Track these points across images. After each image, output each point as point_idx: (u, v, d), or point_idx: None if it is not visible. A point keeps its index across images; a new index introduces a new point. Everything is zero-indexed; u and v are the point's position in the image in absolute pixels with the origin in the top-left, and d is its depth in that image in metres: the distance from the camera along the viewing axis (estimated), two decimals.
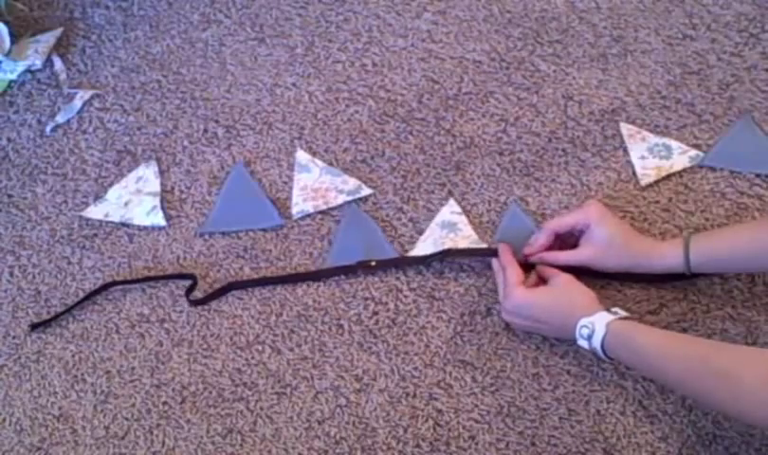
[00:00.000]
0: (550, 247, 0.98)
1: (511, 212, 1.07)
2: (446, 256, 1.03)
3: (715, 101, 1.11)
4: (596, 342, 0.87)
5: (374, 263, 1.05)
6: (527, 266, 0.99)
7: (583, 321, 0.88)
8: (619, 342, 0.86)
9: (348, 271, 1.05)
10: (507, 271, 0.96)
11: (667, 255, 0.91)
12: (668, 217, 1.03)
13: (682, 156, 1.06)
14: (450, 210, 1.08)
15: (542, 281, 0.97)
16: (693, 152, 1.06)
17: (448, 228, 1.07)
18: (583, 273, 0.95)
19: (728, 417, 0.89)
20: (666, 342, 0.83)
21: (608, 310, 0.89)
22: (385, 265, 1.05)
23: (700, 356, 0.79)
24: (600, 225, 0.93)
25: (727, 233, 0.93)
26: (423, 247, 1.06)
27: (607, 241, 0.93)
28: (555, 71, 1.18)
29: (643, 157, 1.07)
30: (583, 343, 0.89)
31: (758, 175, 1.04)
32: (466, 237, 1.06)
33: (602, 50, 1.18)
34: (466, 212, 1.08)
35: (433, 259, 1.03)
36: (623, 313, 0.89)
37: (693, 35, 1.17)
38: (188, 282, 1.08)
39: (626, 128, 1.10)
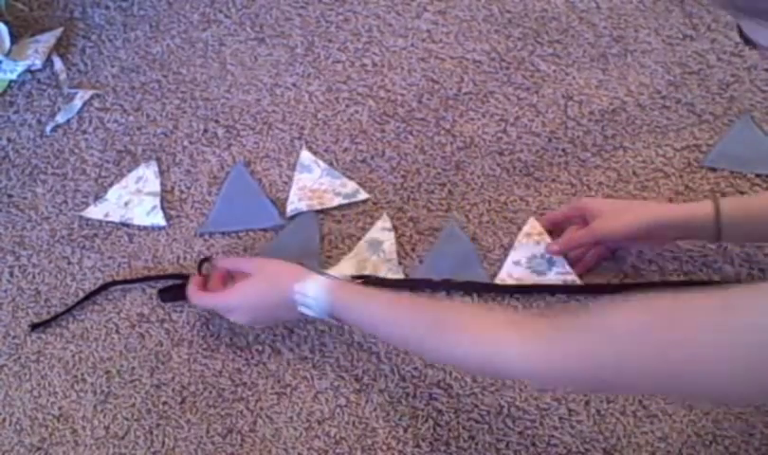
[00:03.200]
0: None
1: (449, 230, 1.06)
2: (372, 283, 1.02)
3: (715, 101, 1.11)
4: (323, 303, 0.85)
5: None
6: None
7: (297, 287, 0.86)
8: (343, 301, 0.84)
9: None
10: (189, 295, 0.98)
11: (695, 209, 0.90)
12: None
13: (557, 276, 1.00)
14: (382, 226, 1.08)
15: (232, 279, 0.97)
16: None
17: (374, 249, 1.06)
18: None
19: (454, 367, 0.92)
20: (391, 303, 0.83)
21: (320, 273, 0.88)
22: None
23: (414, 311, 0.81)
24: (599, 203, 0.96)
25: (759, 196, 0.93)
26: (346, 267, 1.04)
27: (612, 209, 0.94)
28: (555, 71, 1.18)
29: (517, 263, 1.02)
30: (308, 312, 0.87)
31: (758, 175, 1.04)
32: (387, 260, 1.04)
33: (602, 50, 1.18)
34: (466, 212, 1.08)
35: (355, 283, 1.02)
36: (337, 273, 0.87)
37: (693, 35, 1.17)
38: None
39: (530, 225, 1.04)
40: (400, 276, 1.04)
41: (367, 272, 1.04)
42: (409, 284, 1.03)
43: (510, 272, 1.01)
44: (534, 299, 1.00)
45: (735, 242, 0.97)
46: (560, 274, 1.00)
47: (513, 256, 1.02)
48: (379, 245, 1.06)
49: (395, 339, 0.86)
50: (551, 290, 0.99)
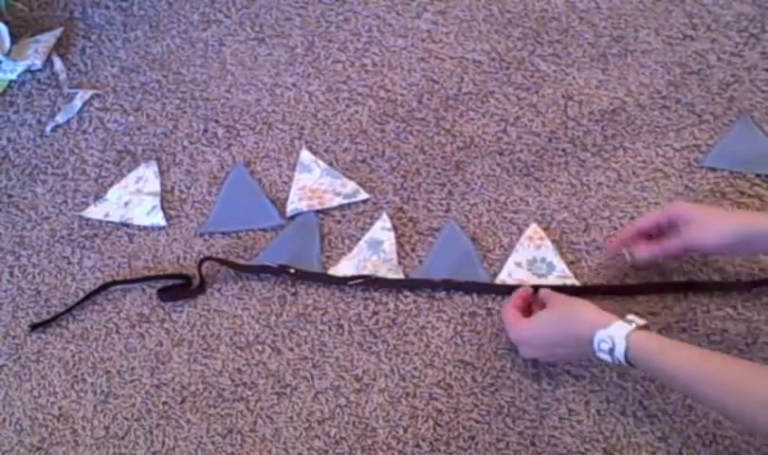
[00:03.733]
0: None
1: (449, 229, 1.07)
2: (371, 284, 1.03)
3: (715, 101, 1.11)
4: (620, 355, 0.81)
5: (293, 271, 1.05)
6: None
7: (600, 335, 0.83)
8: (644, 357, 0.81)
9: (273, 271, 1.06)
10: (503, 312, 0.95)
11: None
12: None
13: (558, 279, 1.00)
14: (381, 226, 1.08)
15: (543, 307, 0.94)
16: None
17: (374, 249, 1.06)
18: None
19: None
20: (698, 363, 0.79)
21: (622, 319, 0.83)
22: (304, 277, 1.05)
23: (738, 382, 0.75)
24: (689, 210, 0.90)
25: None
26: (346, 267, 1.05)
27: (703, 216, 0.89)
28: (555, 71, 1.18)
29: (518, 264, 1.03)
30: (605, 357, 0.83)
31: (758, 175, 1.04)
32: (387, 260, 1.05)
33: (602, 50, 1.18)
34: (466, 213, 1.08)
35: (354, 282, 1.03)
36: (639, 320, 0.83)
37: (693, 35, 1.17)
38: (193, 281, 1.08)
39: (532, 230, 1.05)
40: (400, 276, 1.04)
41: (367, 272, 1.04)
42: (409, 284, 1.03)
43: (510, 273, 1.01)
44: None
45: None
46: (561, 277, 1.00)
47: (514, 257, 1.03)
48: (379, 245, 1.06)
49: (713, 403, 0.80)
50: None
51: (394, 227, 1.08)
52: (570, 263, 1.02)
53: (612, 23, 1.20)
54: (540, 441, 0.92)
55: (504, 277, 1.01)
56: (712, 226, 0.88)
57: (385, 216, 1.09)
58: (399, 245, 1.07)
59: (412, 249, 1.07)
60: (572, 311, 0.88)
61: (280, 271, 1.05)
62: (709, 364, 0.79)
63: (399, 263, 1.05)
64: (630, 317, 0.84)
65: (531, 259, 1.02)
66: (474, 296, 1.01)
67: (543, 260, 1.02)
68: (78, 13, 1.39)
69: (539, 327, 0.90)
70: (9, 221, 1.19)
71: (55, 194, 1.20)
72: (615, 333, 0.82)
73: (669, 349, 0.81)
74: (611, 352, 0.82)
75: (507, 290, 1.00)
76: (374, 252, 1.06)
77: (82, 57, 1.34)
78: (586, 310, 0.87)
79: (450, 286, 1.02)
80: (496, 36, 1.22)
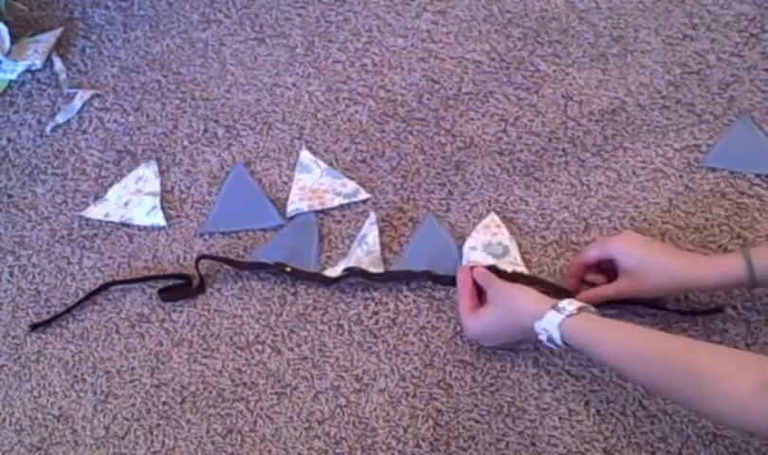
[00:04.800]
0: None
1: (428, 223, 1.07)
2: (354, 275, 1.03)
3: (715, 101, 1.11)
4: (558, 341, 0.84)
5: (289, 270, 1.05)
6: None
7: (537, 327, 0.86)
8: (578, 342, 0.83)
9: (267, 268, 1.06)
10: (460, 300, 0.96)
11: (726, 267, 0.86)
12: (669, 217, 1.03)
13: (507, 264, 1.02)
14: (369, 222, 1.08)
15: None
16: None
17: (359, 243, 1.06)
18: (636, 303, 0.95)
19: (695, 414, 0.89)
20: (625, 339, 0.81)
21: (554, 307, 0.85)
22: (300, 276, 1.05)
23: (664, 355, 0.77)
24: (627, 254, 0.91)
25: None
26: (342, 267, 1.05)
27: (640, 266, 0.90)
28: (555, 71, 1.18)
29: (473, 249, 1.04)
30: (549, 345, 0.86)
31: (758, 175, 1.04)
32: (370, 252, 1.05)
33: (602, 50, 1.18)
34: (466, 213, 1.08)
35: (338, 275, 1.03)
36: (571, 307, 0.84)
37: (693, 35, 1.17)
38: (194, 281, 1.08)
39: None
40: (380, 269, 1.04)
41: (351, 264, 1.03)
42: (390, 277, 1.03)
43: (467, 258, 1.03)
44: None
45: None
46: (511, 264, 1.02)
47: (469, 243, 1.04)
48: (363, 238, 1.07)
49: (638, 377, 0.83)
50: (502, 276, 0.99)
51: (394, 227, 1.08)
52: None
53: (612, 23, 1.20)
54: (540, 441, 0.92)
55: (464, 263, 1.03)
56: (647, 279, 0.90)
57: (372, 214, 1.09)
58: (399, 244, 1.07)
59: (407, 246, 1.07)
60: (510, 303, 0.90)
61: (276, 269, 1.05)
62: (635, 339, 0.81)
63: (383, 256, 1.05)
64: (562, 304, 0.85)
65: (486, 243, 1.04)
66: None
67: (499, 243, 1.03)
68: (78, 13, 1.39)
69: (488, 324, 0.93)
70: (9, 221, 1.19)
71: (55, 194, 1.20)
72: (548, 324, 0.85)
73: (598, 330, 0.83)
74: (550, 340, 0.85)
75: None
76: (358, 245, 1.06)
77: (82, 57, 1.34)
78: (524, 299, 0.90)
79: (430, 278, 1.02)
80: (496, 36, 1.22)
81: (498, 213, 1.07)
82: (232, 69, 1.27)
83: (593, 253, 0.95)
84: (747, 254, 0.85)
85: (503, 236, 1.05)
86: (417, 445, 0.94)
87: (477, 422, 0.95)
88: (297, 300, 1.05)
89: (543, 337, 0.86)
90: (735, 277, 0.86)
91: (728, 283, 0.88)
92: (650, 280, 0.89)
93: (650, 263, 0.89)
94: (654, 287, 0.90)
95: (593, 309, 0.85)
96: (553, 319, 0.84)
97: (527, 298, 0.90)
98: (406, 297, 1.03)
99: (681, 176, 1.06)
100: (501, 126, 1.14)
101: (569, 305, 0.84)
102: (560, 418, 0.93)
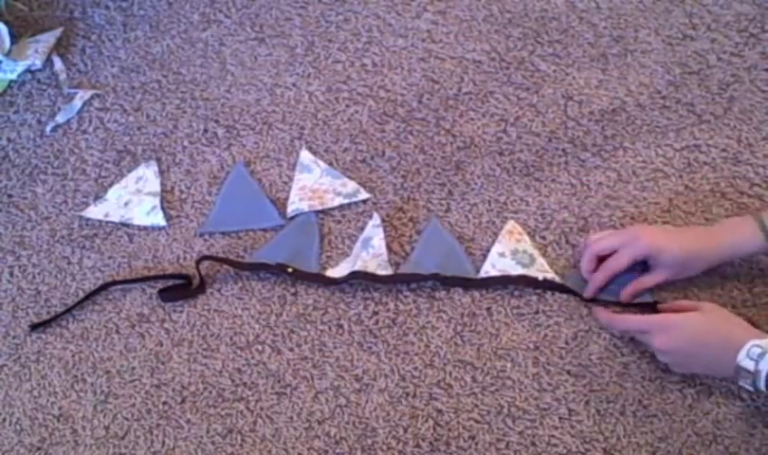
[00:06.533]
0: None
1: (432, 226, 1.07)
2: (360, 279, 1.02)
3: (715, 101, 1.11)
4: (764, 366, 0.80)
5: (291, 271, 1.05)
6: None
7: (755, 341, 0.82)
8: None
9: (270, 269, 1.06)
10: (631, 324, 0.94)
11: (746, 237, 0.90)
12: (669, 217, 1.03)
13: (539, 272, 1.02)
14: (373, 224, 1.08)
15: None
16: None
17: (364, 246, 1.06)
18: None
19: None
20: None
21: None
22: (302, 277, 1.05)
23: None
24: (662, 253, 0.93)
25: None
26: (345, 268, 1.05)
27: (679, 262, 0.93)
28: (555, 71, 1.18)
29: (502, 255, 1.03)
30: (748, 364, 0.82)
31: (757, 175, 1.04)
32: (377, 255, 1.05)
33: (602, 50, 1.18)
34: (466, 213, 1.08)
35: (343, 278, 1.03)
36: None
37: (693, 35, 1.17)
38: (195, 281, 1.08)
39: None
40: (389, 271, 1.04)
41: (356, 268, 1.03)
42: (398, 280, 1.03)
43: (494, 263, 1.02)
44: (521, 291, 1.00)
45: None
46: (540, 271, 1.01)
47: (497, 248, 1.04)
48: (368, 241, 1.06)
49: None
50: (534, 284, 1.00)
51: (394, 227, 1.08)
52: (573, 267, 1.02)
53: (612, 23, 1.20)
54: (540, 441, 0.92)
55: (488, 268, 1.02)
56: (692, 266, 0.94)
57: (375, 214, 1.09)
58: (399, 244, 1.07)
59: (413, 249, 1.07)
60: (725, 318, 0.89)
61: (278, 269, 1.05)
62: None
63: (389, 259, 1.05)
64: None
65: (514, 250, 1.03)
66: (475, 294, 1.01)
67: (525, 251, 1.03)
68: (78, 13, 1.39)
69: (691, 322, 0.88)
70: (9, 221, 1.19)
71: (55, 194, 1.20)
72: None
73: None
74: (759, 357, 0.81)
75: (492, 283, 1.01)
76: (363, 248, 1.06)
77: (82, 57, 1.34)
78: (736, 319, 0.89)
79: (438, 280, 1.02)
80: (496, 36, 1.22)
81: (498, 213, 1.07)
82: (232, 69, 1.27)
83: (625, 258, 0.94)
84: (758, 216, 0.90)
85: (527, 243, 1.04)
86: (417, 446, 0.94)
87: (477, 422, 0.95)
88: (297, 300, 1.05)
89: (754, 353, 0.82)
90: (753, 241, 0.90)
91: (745, 249, 0.92)
92: (689, 270, 0.94)
93: (686, 256, 0.93)
94: (694, 272, 0.95)
95: None
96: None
97: (740, 321, 0.88)
98: (406, 297, 1.03)
99: (681, 176, 1.06)
100: (501, 126, 1.14)
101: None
102: (560, 418, 0.93)
